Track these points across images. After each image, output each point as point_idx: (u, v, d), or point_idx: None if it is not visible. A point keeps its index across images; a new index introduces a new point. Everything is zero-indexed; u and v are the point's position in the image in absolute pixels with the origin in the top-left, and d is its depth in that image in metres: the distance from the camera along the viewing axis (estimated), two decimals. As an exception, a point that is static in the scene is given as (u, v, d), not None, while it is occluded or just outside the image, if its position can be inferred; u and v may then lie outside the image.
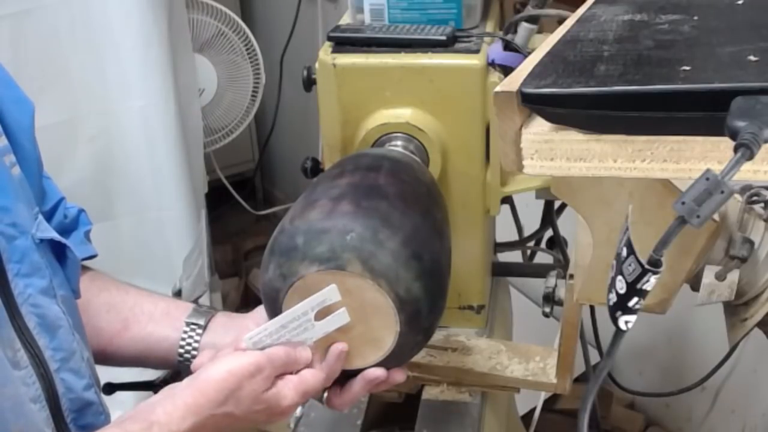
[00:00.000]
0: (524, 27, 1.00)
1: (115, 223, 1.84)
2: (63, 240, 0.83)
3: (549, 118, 0.61)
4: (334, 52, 1.00)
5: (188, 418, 0.74)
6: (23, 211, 0.79)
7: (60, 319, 0.80)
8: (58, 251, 0.83)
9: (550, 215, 1.30)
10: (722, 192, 0.51)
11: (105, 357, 0.92)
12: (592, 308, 1.30)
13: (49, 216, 0.87)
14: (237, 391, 0.76)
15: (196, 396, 0.75)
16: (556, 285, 1.02)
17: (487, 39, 1.02)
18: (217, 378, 0.76)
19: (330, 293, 0.78)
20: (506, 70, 0.98)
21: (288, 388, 0.79)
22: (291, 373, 0.80)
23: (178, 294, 1.89)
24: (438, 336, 1.11)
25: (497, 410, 1.17)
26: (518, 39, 1.00)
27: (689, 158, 0.57)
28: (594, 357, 1.41)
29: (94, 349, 0.88)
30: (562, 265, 1.28)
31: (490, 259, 1.22)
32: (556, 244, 1.32)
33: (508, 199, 1.19)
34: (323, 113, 1.03)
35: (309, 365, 0.81)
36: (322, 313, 0.79)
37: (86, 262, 0.92)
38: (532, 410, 1.63)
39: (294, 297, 0.79)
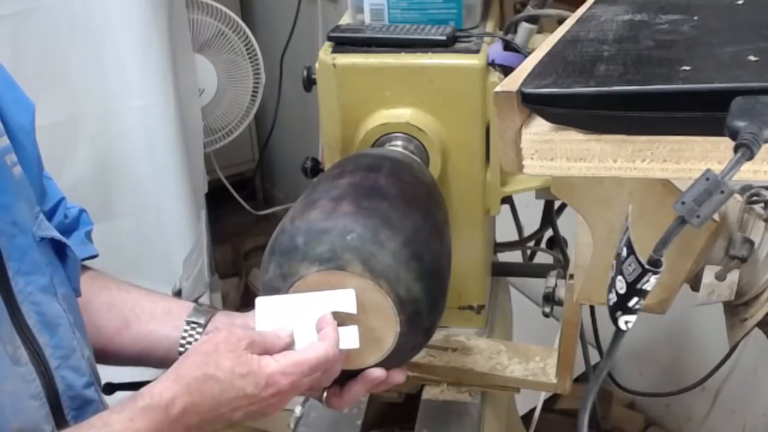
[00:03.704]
0: (524, 27, 1.00)
1: (115, 223, 1.84)
2: (63, 239, 0.83)
3: (549, 118, 0.61)
4: (334, 52, 1.00)
5: (170, 387, 0.73)
6: (24, 210, 0.79)
7: (60, 317, 0.81)
8: (58, 250, 0.84)
9: (550, 215, 1.30)
10: (722, 192, 0.51)
11: (106, 356, 0.92)
12: (592, 308, 1.30)
13: (49, 216, 0.87)
14: (214, 354, 0.75)
15: (176, 366, 0.75)
16: (556, 285, 1.02)
17: (487, 39, 1.02)
18: (194, 346, 0.77)
19: (347, 298, 0.78)
20: (506, 70, 0.98)
21: (274, 359, 0.76)
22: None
23: (178, 294, 1.89)
24: (438, 336, 1.11)
25: (497, 410, 1.17)
26: (518, 39, 1.00)
27: (689, 158, 0.58)
28: (594, 357, 1.41)
29: (95, 347, 0.88)
30: (562, 265, 1.28)
31: (490, 259, 1.22)
32: (556, 244, 1.32)
33: (508, 199, 1.19)
34: (323, 113, 1.03)
35: None
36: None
37: (87, 262, 0.92)
38: (532, 410, 1.63)
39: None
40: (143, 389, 0.74)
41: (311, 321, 0.79)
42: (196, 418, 0.74)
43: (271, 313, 0.79)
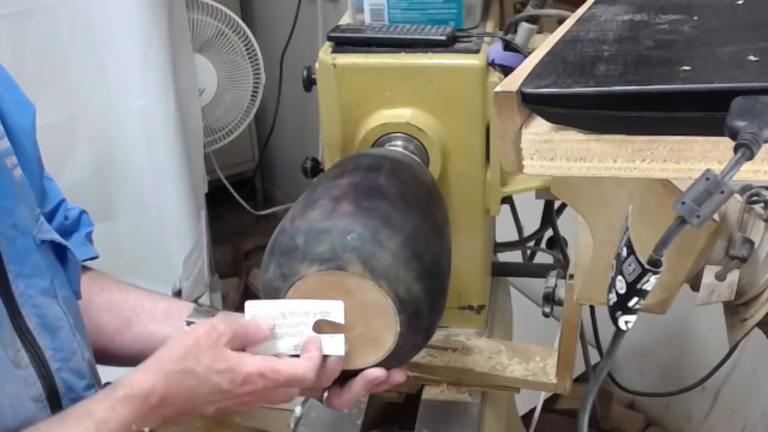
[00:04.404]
0: (524, 27, 1.00)
1: (115, 223, 1.84)
2: (63, 242, 0.83)
3: (549, 118, 0.61)
4: (334, 52, 1.00)
5: (149, 377, 0.75)
6: (24, 213, 0.79)
7: (61, 320, 0.81)
8: (59, 252, 0.84)
9: (550, 215, 1.30)
10: (722, 192, 0.51)
11: (106, 356, 0.92)
12: (592, 308, 1.30)
13: (49, 217, 0.87)
14: (194, 348, 0.76)
15: (156, 356, 0.77)
16: (556, 285, 1.02)
17: (487, 39, 1.02)
18: (176, 338, 0.78)
19: (335, 308, 0.78)
20: (506, 70, 0.98)
21: (253, 359, 0.78)
22: None
23: (178, 294, 1.89)
24: (438, 336, 1.11)
25: (497, 410, 1.17)
26: (518, 39, 1.00)
27: (689, 158, 0.57)
28: (594, 357, 1.42)
29: (95, 348, 0.88)
30: (562, 265, 1.28)
31: (490, 259, 1.22)
32: (556, 244, 1.32)
33: (508, 199, 1.20)
34: (323, 113, 1.03)
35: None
36: (322, 327, 0.80)
37: (87, 263, 0.92)
38: (532, 410, 1.63)
39: (294, 297, 0.79)
40: (123, 378, 0.75)
41: (298, 326, 0.79)
42: (171, 410, 0.76)
43: (260, 316, 0.80)
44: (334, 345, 0.80)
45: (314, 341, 0.79)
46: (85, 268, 0.92)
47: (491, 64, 0.98)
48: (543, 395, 1.63)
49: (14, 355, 0.75)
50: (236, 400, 0.78)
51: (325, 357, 0.80)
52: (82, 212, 0.93)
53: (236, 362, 0.77)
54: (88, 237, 0.93)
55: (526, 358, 1.09)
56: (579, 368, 1.20)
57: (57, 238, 0.82)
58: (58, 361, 0.79)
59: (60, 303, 0.81)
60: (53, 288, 0.81)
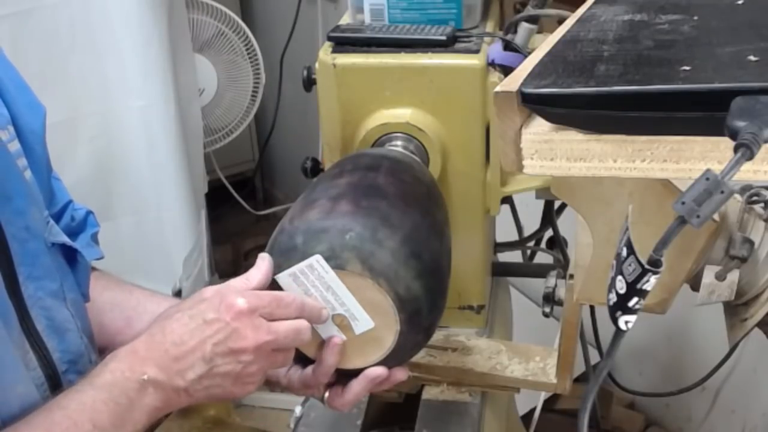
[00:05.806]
0: (524, 27, 1.00)
1: (115, 223, 1.84)
2: (74, 245, 0.83)
3: (549, 118, 0.61)
4: (334, 52, 1.00)
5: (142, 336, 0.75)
6: (36, 215, 0.79)
7: (68, 322, 0.81)
8: (68, 255, 0.84)
9: (550, 215, 1.30)
10: (722, 192, 0.51)
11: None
12: (592, 308, 1.30)
13: (56, 218, 0.87)
14: (193, 297, 0.77)
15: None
16: (556, 285, 1.02)
17: (487, 39, 1.02)
18: None
19: (364, 323, 0.79)
20: (506, 70, 0.98)
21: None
22: None
23: (178, 294, 1.89)
24: (438, 336, 1.11)
25: (497, 410, 1.17)
26: (518, 39, 1.00)
27: (689, 158, 0.58)
28: (594, 357, 1.42)
29: (97, 346, 0.88)
30: (562, 265, 1.28)
31: (490, 259, 1.22)
32: (556, 244, 1.32)
33: (508, 199, 1.19)
34: (323, 113, 1.03)
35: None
36: (336, 319, 0.80)
37: (91, 262, 0.92)
38: (532, 410, 1.63)
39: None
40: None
41: (327, 304, 0.79)
42: (163, 355, 0.73)
43: (313, 274, 0.78)
44: (330, 330, 0.80)
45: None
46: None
47: (491, 64, 0.98)
48: (543, 395, 1.63)
49: (23, 357, 0.75)
50: (229, 329, 0.73)
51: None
52: (89, 212, 0.92)
53: (211, 294, 0.76)
54: (94, 238, 0.92)
55: (526, 358, 1.09)
56: (579, 368, 1.20)
57: (67, 241, 0.82)
58: (65, 363, 0.80)
59: (68, 306, 0.81)
60: (62, 290, 0.81)
